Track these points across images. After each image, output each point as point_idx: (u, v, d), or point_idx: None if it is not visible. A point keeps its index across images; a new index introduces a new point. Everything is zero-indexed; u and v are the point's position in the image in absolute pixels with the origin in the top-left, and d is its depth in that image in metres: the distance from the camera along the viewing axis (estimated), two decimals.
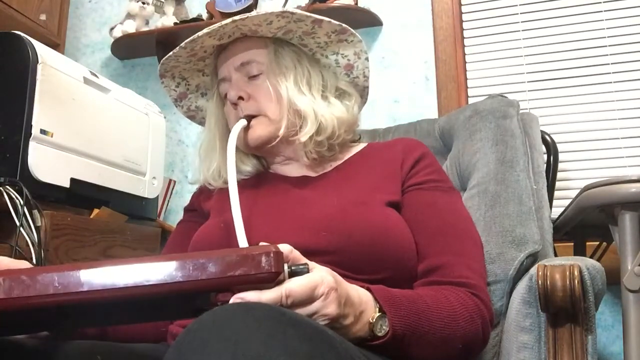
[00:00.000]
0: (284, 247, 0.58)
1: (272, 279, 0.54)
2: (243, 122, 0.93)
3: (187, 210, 1.08)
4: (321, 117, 0.94)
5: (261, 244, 0.58)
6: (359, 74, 1.05)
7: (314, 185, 0.95)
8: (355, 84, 1.05)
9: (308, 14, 0.93)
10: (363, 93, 1.08)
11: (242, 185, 0.98)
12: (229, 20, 0.90)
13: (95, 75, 1.46)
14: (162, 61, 0.98)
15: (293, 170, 1.00)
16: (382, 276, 0.80)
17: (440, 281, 0.81)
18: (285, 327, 0.47)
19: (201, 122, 1.13)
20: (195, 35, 0.92)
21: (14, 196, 1.15)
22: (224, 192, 1.00)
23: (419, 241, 0.86)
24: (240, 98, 0.95)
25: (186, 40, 0.93)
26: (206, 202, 1.01)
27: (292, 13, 0.92)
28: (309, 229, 0.82)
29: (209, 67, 1.04)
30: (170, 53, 0.96)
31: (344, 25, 0.97)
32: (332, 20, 0.96)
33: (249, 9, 1.78)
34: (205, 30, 0.91)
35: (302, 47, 1.00)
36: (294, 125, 0.95)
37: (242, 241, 0.76)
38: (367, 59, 1.03)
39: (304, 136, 0.93)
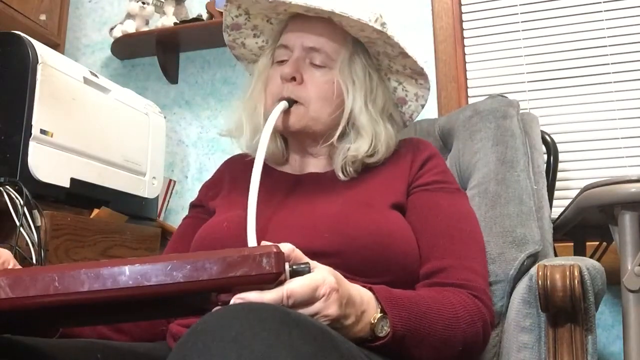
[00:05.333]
0: (286, 247, 0.58)
1: (273, 280, 0.54)
2: (284, 104, 0.89)
3: (193, 205, 1.06)
4: (378, 142, 0.92)
5: (263, 243, 0.58)
6: (407, 112, 1.03)
7: (319, 184, 0.94)
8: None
9: (401, 44, 0.91)
10: (400, 129, 1.07)
11: (249, 182, 0.98)
12: (327, 8, 0.86)
13: (95, 75, 1.46)
14: None
15: (304, 166, 0.99)
16: (384, 279, 0.79)
17: (442, 283, 0.81)
18: (289, 328, 0.47)
19: (237, 57, 1.10)
20: None
21: (14, 196, 1.15)
22: (232, 189, 1.00)
23: (422, 243, 0.86)
24: (293, 79, 0.91)
25: None
26: (213, 200, 1.01)
27: (389, 36, 0.89)
28: (311, 229, 0.82)
29: (279, 22, 1.00)
30: None
31: (424, 70, 0.96)
32: (418, 62, 0.94)
33: None
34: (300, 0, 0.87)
35: (374, 60, 0.98)
36: (348, 138, 0.93)
37: (251, 234, 0.76)
38: (423, 105, 1.01)
39: (360, 152, 0.90)
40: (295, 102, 0.91)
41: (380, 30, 0.89)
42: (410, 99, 1.02)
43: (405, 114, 1.04)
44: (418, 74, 0.98)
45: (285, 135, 0.99)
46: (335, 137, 0.92)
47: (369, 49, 0.97)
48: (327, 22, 0.93)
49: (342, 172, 0.93)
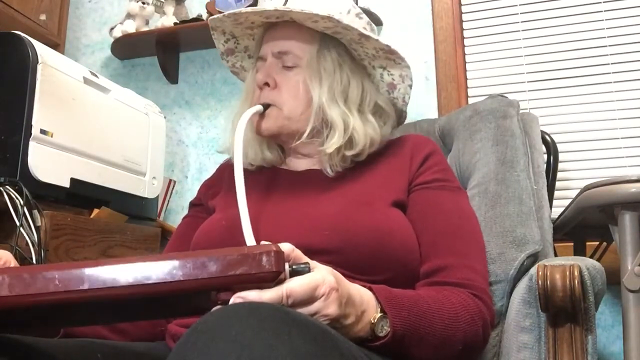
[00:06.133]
0: (285, 246, 0.58)
1: (272, 279, 0.54)
2: (257, 108, 0.92)
3: (192, 204, 1.07)
4: (353, 132, 0.92)
5: (262, 242, 0.58)
6: (399, 97, 1.03)
7: (319, 182, 0.94)
8: (393, 104, 1.04)
9: (355, 26, 0.91)
10: (401, 115, 1.07)
11: (249, 180, 0.98)
12: (271, 8, 0.89)
13: (95, 75, 1.46)
14: (210, 18, 0.98)
15: (303, 164, 0.99)
16: (384, 277, 0.79)
17: (443, 282, 0.81)
18: (289, 328, 0.47)
19: (243, 80, 1.13)
20: (239, 11, 0.92)
21: (14, 196, 1.15)
22: (231, 188, 1.00)
23: (422, 241, 0.86)
24: (266, 84, 0.94)
25: (231, 11, 0.92)
26: (212, 199, 1.01)
27: (339, 21, 0.90)
28: (311, 227, 0.82)
29: (258, 36, 1.02)
30: (217, 16, 0.95)
31: (391, 46, 0.95)
32: (380, 40, 0.94)
33: None
34: (249, 9, 0.91)
35: (352, 51, 0.98)
36: (319, 133, 0.93)
37: (249, 236, 0.76)
38: (410, 86, 1.01)
39: (330, 147, 0.91)
40: (271, 105, 0.93)
41: (328, 16, 0.88)
42: (398, 82, 1.01)
43: (397, 99, 1.04)
44: (389, 52, 0.97)
45: (267, 138, 1.00)
46: (306, 132, 0.92)
47: (341, 40, 0.97)
48: (292, 25, 0.95)
49: (330, 168, 0.94)
